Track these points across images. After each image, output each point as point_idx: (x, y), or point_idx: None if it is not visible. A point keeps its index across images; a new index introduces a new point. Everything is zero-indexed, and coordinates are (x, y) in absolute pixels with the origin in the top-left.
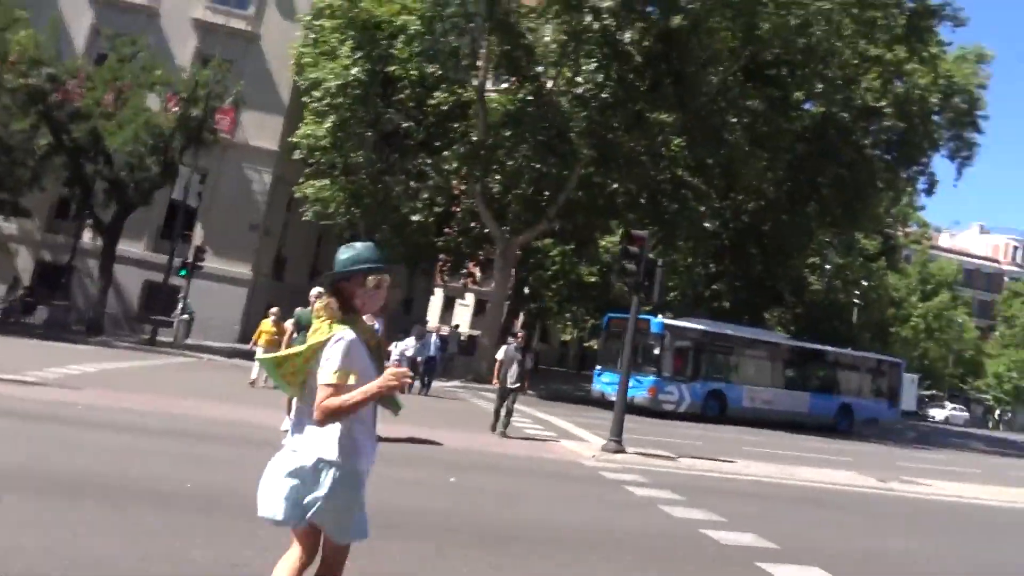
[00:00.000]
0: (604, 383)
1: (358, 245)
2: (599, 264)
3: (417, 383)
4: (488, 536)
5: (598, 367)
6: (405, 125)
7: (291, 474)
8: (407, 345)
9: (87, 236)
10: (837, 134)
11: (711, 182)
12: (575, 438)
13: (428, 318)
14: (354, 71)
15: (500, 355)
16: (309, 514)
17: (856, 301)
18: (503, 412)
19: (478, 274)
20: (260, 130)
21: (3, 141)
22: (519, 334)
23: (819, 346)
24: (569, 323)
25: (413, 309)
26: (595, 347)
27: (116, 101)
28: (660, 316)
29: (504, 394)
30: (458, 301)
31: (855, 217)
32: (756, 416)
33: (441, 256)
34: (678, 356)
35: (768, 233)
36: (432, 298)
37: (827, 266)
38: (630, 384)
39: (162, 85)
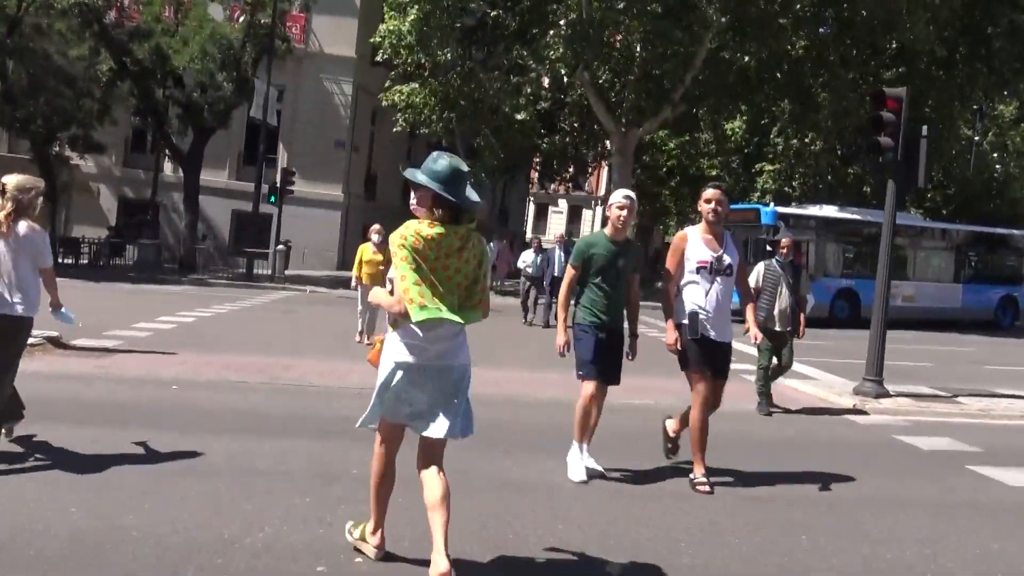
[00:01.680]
0: None
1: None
2: (723, 154)
3: (535, 308)
4: None
5: None
6: (493, 14)
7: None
8: (525, 261)
9: (168, 168)
10: None
11: (859, 46)
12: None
13: (525, 228)
14: None
15: (755, 277)
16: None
17: (1003, 171)
18: (771, 368)
19: (576, 174)
20: (334, 36)
21: (64, 71)
22: (784, 242)
23: (972, 227)
24: (673, 223)
25: (510, 219)
26: None
27: (177, 15)
28: (772, 203)
29: (777, 344)
30: (551, 208)
31: None
32: (897, 316)
33: (537, 160)
34: (797, 251)
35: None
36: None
37: (975, 137)
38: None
39: None
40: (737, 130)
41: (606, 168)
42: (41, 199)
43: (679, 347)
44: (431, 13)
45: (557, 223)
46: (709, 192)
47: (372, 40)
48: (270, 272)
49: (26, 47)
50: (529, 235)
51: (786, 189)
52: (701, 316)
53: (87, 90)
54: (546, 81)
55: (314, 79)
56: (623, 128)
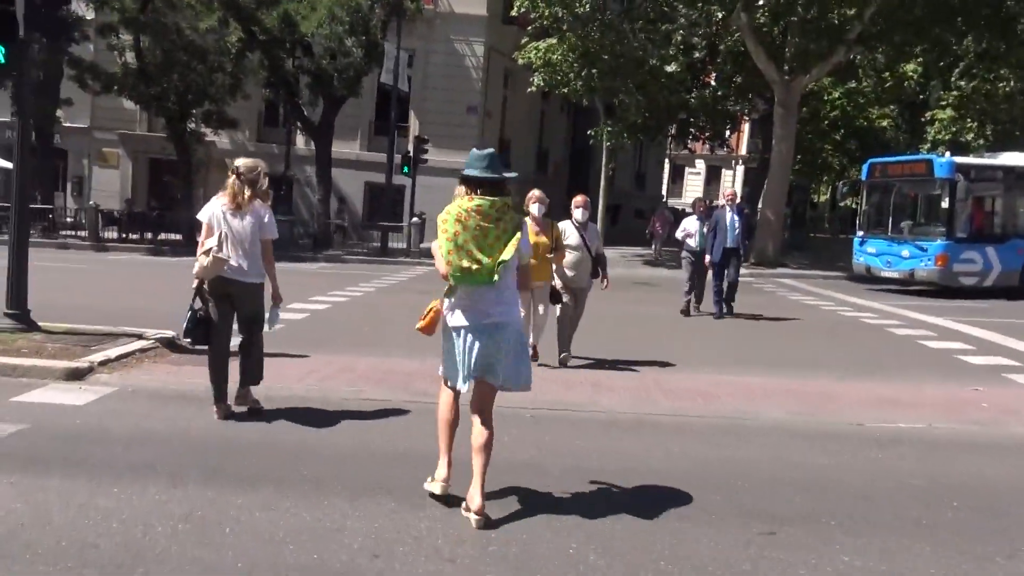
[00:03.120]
0: (869, 254)
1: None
2: (896, 102)
3: (693, 295)
4: None
5: (859, 233)
6: None
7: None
8: (687, 231)
9: (300, 141)
10: None
11: None
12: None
13: (662, 192)
14: None
15: None
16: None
17: None
18: None
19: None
20: None
21: (196, 46)
22: None
23: None
24: (827, 179)
25: (647, 183)
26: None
27: None
28: (947, 153)
29: None
30: (688, 170)
31: None
32: None
33: (682, 117)
34: (978, 208)
35: None
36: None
37: None
38: (907, 253)
39: None
40: (912, 74)
41: (747, 126)
42: (266, 178)
43: None
44: None
45: (694, 186)
46: None
47: None
48: (405, 246)
49: (158, 22)
50: (697, 196)
51: (962, 139)
52: None
53: (218, 64)
54: (719, 23)
55: (444, 41)
56: (786, 76)
